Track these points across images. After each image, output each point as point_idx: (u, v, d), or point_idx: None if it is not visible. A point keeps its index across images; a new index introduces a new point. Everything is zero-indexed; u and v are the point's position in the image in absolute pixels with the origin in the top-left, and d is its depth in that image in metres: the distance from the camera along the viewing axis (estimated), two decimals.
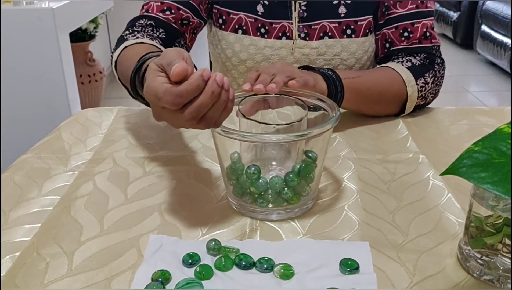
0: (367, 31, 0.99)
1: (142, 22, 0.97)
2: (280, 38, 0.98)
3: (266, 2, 0.98)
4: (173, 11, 0.98)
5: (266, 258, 0.56)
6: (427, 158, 0.80)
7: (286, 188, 0.64)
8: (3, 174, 0.77)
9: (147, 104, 0.79)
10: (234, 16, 0.99)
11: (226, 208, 0.68)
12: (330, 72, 0.86)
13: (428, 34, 0.98)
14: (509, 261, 0.51)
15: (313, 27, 0.98)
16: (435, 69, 0.97)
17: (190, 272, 0.54)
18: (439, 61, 0.99)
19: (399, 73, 0.94)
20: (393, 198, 0.69)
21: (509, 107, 1.00)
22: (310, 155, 0.64)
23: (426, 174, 0.75)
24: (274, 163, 0.71)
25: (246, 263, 0.55)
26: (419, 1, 0.98)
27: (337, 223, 0.64)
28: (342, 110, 0.91)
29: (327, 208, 0.67)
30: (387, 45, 1.00)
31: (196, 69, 0.58)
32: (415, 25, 0.98)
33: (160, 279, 0.53)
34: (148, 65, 0.62)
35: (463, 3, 4.48)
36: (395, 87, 0.93)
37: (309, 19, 0.98)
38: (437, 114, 0.99)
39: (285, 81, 0.74)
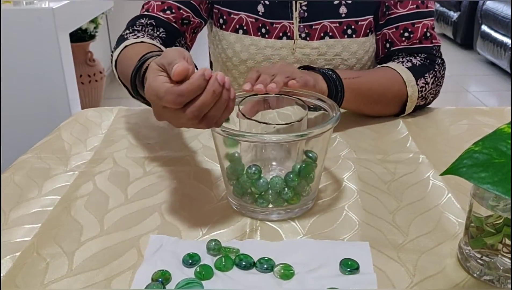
0: (368, 31, 0.99)
1: (143, 21, 0.97)
2: (280, 38, 0.98)
3: (267, 2, 0.98)
4: (173, 10, 0.98)
5: (266, 258, 0.56)
6: (427, 158, 0.80)
7: (286, 188, 0.64)
8: (3, 174, 0.77)
9: (147, 103, 0.79)
10: (235, 16, 0.99)
11: (226, 208, 0.67)
12: (330, 72, 0.86)
13: (428, 34, 0.98)
14: (509, 261, 0.51)
15: (313, 27, 0.98)
16: (436, 69, 0.97)
17: (190, 272, 0.54)
18: (439, 61, 0.99)
19: (399, 73, 0.94)
20: (393, 198, 0.69)
21: (509, 107, 1.00)
22: (310, 155, 0.64)
23: (426, 174, 0.75)
24: (274, 163, 0.71)
25: (246, 263, 0.55)
26: (419, 1, 0.98)
27: (337, 223, 0.64)
28: (342, 110, 0.91)
29: (327, 208, 0.67)
30: (388, 45, 1.00)
31: (197, 69, 0.58)
32: (416, 25, 0.98)
33: (160, 279, 0.53)
34: (148, 65, 0.62)
35: (463, 3, 4.48)
36: (395, 87, 0.93)
37: (309, 19, 0.98)
38: (437, 114, 0.99)
39: (285, 81, 0.74)
